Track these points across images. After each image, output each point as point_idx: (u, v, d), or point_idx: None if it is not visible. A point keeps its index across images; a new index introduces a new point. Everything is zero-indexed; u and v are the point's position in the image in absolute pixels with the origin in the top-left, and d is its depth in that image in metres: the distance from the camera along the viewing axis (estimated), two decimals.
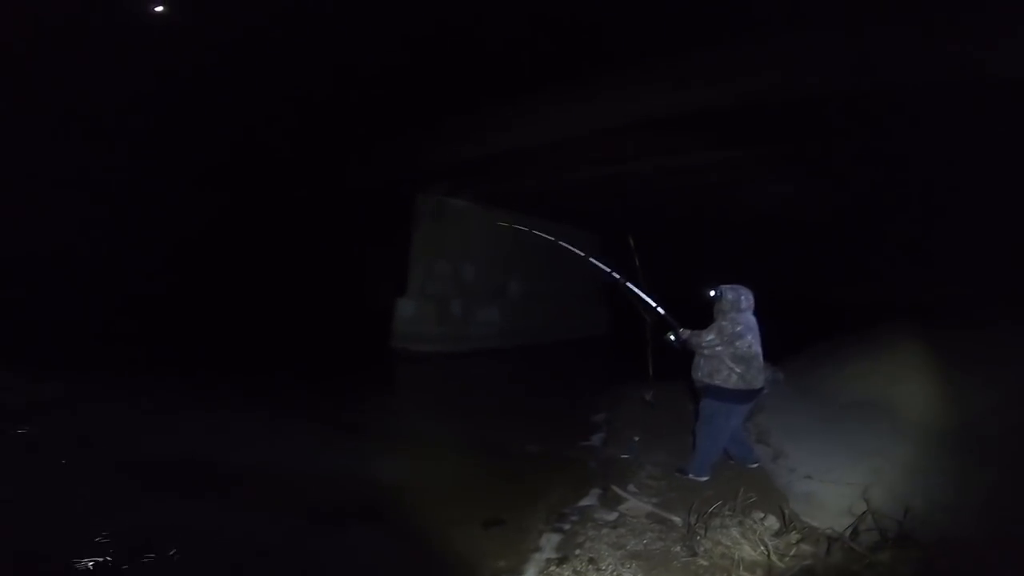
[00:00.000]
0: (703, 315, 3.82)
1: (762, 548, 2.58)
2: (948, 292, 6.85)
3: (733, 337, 3.57)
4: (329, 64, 7.22)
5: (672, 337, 3.79)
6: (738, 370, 3.56)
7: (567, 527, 3.32)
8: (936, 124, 5.92)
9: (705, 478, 3.79)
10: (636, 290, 4.02)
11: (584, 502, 3.74)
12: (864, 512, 2.66)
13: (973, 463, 3.02)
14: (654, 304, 3.93)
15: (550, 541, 3.15)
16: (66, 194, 10.69)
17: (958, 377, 4.15)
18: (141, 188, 11.74)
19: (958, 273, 7.73)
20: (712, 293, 3.74)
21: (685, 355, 3.83)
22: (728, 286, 3.72)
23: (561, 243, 4.87)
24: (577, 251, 4.71)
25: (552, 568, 2.72)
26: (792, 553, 2.52)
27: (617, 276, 4.17)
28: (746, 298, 3.68)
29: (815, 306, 13.44)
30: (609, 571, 2.63)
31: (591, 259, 4.51)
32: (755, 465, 3.98)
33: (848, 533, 2.52)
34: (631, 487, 3.84)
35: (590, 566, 2.69)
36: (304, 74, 7.48)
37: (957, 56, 4.60)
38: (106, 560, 2.82)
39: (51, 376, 6.36)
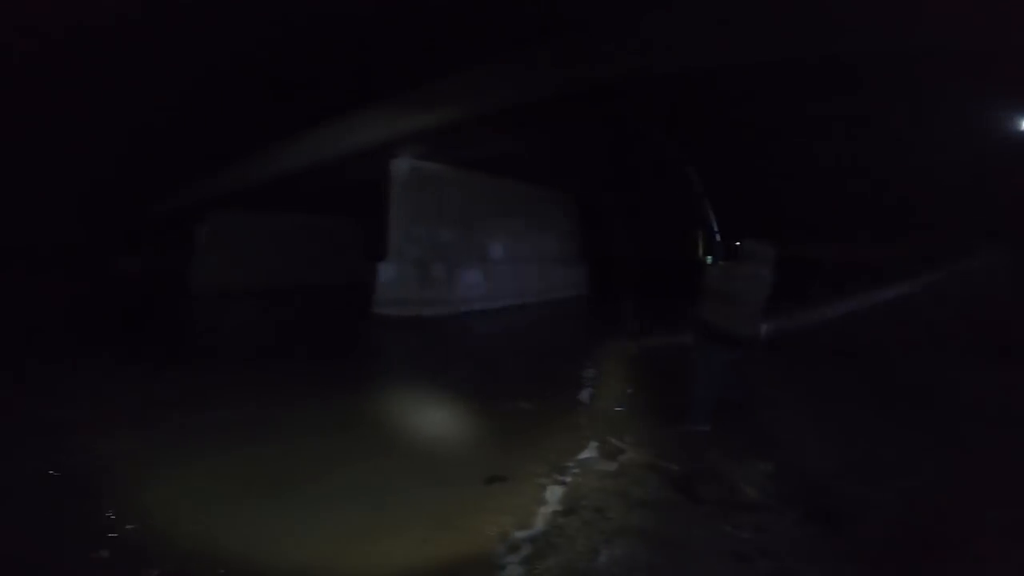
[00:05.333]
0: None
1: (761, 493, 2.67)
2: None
3: (729, 278, 3.75)
4: (303, 22, 6.79)
5: (710, 259, 4.03)
6: (724, 311, 3.71)
7: (569, 480, 3.35)
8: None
9: (706, 428, 3.87)
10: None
11: (583, 455, 3.77)
12: None
13: None
14: (717, 230, 4.21)
15: (554, 494, 3.15)
16: None
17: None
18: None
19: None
20: (738, 243, 3.95)
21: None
22: (751, 240, 3.88)
23: None
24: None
25: (560, 519, 2.76)
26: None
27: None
28: (762, 251, 3.82)
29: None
30: (617, 520, 2.69)
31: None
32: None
33: None
34: (627, 438, 3.92)
35: (597, 515, 2.74)
36: (278, 34, 7.02)
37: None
38: None
39: None
